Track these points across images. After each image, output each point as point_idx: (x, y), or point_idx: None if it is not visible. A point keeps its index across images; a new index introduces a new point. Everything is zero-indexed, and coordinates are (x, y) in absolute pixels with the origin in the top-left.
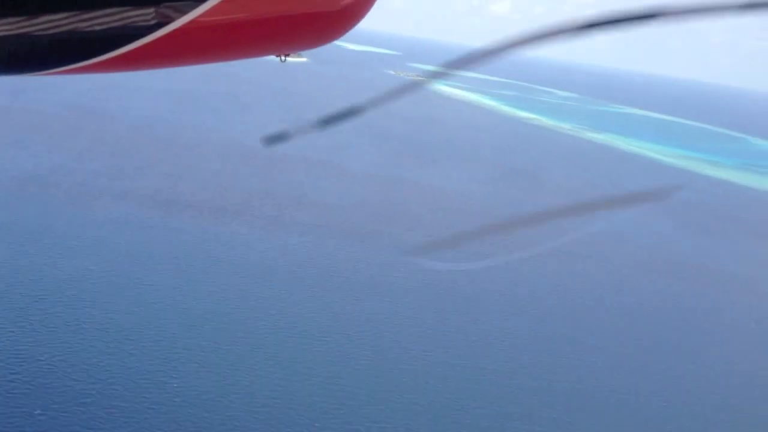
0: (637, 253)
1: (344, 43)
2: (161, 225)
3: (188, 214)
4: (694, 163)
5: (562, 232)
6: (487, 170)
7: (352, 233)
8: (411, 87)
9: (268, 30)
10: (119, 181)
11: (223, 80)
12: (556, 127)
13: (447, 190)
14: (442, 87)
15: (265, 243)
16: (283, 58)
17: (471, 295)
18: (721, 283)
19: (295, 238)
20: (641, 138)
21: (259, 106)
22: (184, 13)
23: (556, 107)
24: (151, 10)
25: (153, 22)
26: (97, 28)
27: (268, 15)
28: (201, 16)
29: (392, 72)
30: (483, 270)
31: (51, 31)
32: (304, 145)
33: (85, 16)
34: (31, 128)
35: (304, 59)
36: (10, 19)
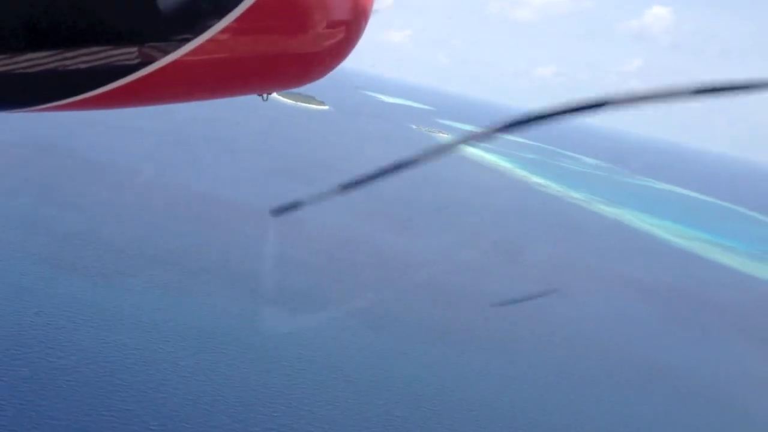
0: (598, 346)
1: (376, 94)
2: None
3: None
4: (704, 247)
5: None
6: (459, 238)
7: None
8: (441, 150)
9: (251, 70)
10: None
11: (219, 124)
12: (566, 195)
13: (404, 256)
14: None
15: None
16: (265, 97)
17: None
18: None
19: None
20: (656, 214)
21: (258, 158)
22: (168, 52)
23: (574, 175)
24: (135, 49)
25: (136, 61)
26: (81, 66)
27: (251, 55)
28: (185, 55)
29: (414, 127)
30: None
31: (33, 69)
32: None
33: (68, 54)
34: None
35: (325, 107)
36: None
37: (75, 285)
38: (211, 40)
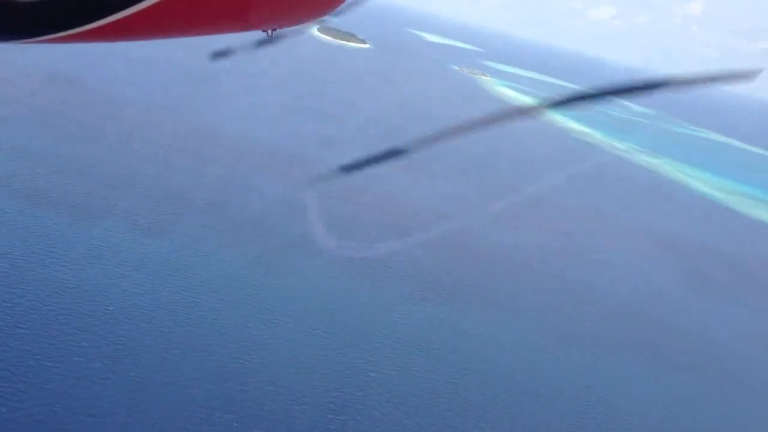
0: (617, 307)
1: (423, 33)
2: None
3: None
4: (741, 200)
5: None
6: (481, 183)
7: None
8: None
9: (252, 4)
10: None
11: (245, 60)
12: (607, 145)
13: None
14: (496, 85)
15: None
16: (270, 33)
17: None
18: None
19: None
20: (699, 166)
21: (279, 96)
22: None
23: (621, 122)
24: None
25: None
26: None
27: None
28: None
29: (456, 68)
30: None
31: (26, 0)
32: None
33: None
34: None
35: (366, 45)
36: None
37: (60, 222)
38: None
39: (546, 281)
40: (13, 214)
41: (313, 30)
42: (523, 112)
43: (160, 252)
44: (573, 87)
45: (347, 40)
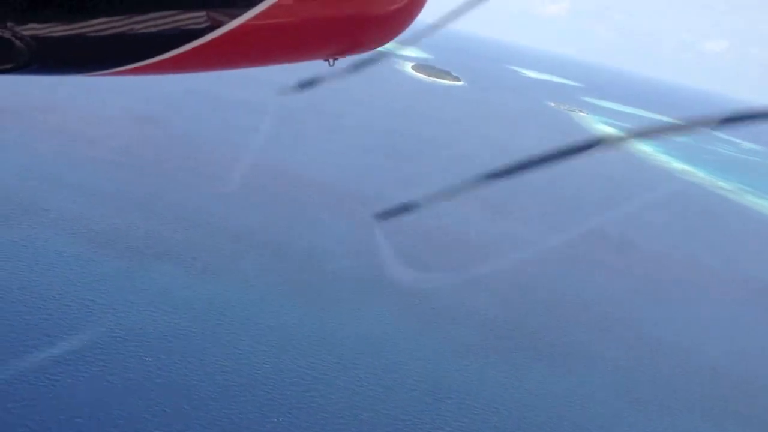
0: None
1: (521, 69)
2: None
3: None
4: None
5: None
6: (566, 224)
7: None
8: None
9: (316, 34)
10: None
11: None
12: (710, 184)
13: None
14: (594, 122)
15: None
16: (331, 62)
17: None
18: None
19: None
20: None
21: (365, 135)
22: (234, 16)
23: (725, 161)
24: (203, 13)
25: (205, 25)
26: (151, 30)
27: (315, 19)
28: (252, 19)
29: (552, 104)
30: None
31: (104, 33)
32: None
33: (138, 18)
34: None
35: (460, 82)
36: (65, 21)
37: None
38: (276, 5)
39: (625, 335)
40: (70, 258)
41: (408, 67)
42: (608, 142)
43: (215, 296)
44: (672, 122)
45: (441, 78)
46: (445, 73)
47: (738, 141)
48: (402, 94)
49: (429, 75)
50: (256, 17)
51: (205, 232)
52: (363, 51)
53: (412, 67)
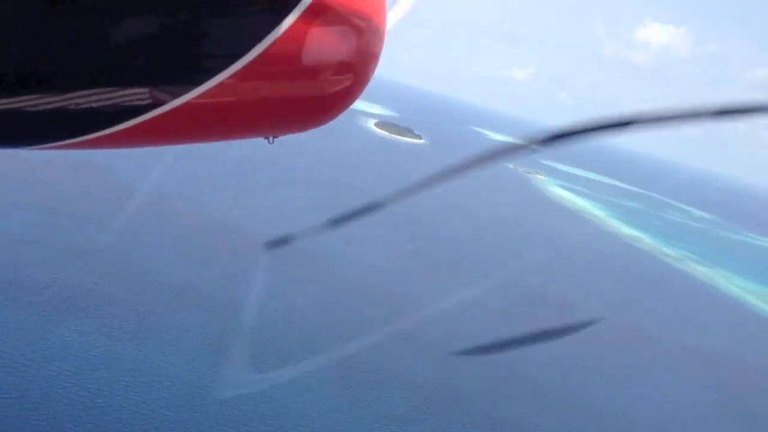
0: None
1: (485, 130)
2: None
3: None
4: None
5: None
6: (504, 288)
7: None
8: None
9: (259, 113)
10: None
11: (287, 149)
12: (656, 251)
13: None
14: (550, 185)
15: None
16: (271, 140)
17: None
18: None
19: None
20: (756, 279)
21: (310, 188)
22: (178, 95)
23: (675, 228)
24: (147, 90)
25: (147, 102)
26: (92, 105)
27: (259, 99)
28: (195, 98)
29: (511, 166)
30: None
31: (45, 107)
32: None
33: (80, 93)
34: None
35: (421, 141)
36: (5, 95)
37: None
38: (220, 84)
39: (561, 405)
40: None
41: (371, 123)
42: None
43: (124, 355)
44: (629, 189)
45: (403, 135)
46: (407, 131)
47: (689, 209)
48: (360, 149)
49: (391, 132)
50: (200, 96)
51: (132, 286)
52: (307, 129)
53: (375, 124)
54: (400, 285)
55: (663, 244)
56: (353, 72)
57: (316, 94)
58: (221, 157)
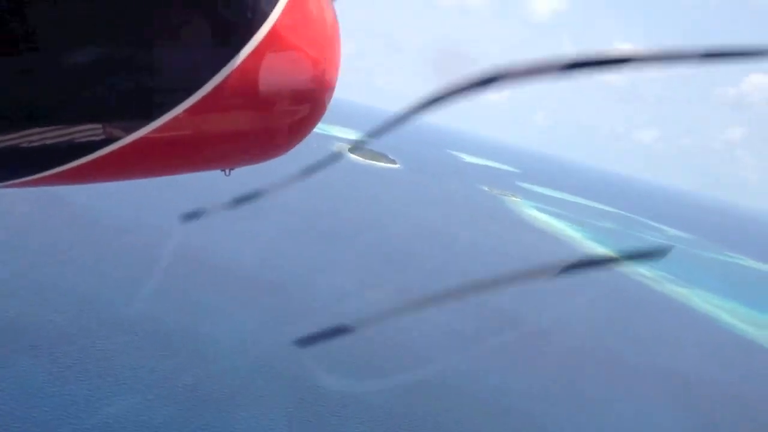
0: None
1: (460, 153)
2: None
3: None
4: None
5: None
6: (473, 309)
7: None
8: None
9: (214, 147)
10: None
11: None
12: (631, 271)
13: None
14: (525, 207)
15: None
16: (227, 172)
17: None
18: None
19: None
20: (733, 298)
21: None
22: (132, 130)
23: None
24: (100, 126)
25: (101, 138)
26: (46, 143)
27: (214, 133)
28: (149, 133)
29: (486, 189)
30: None
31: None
32: None
33: (34, 131)
34: None
35: (395, 165)
36: None
37: None
38: (175, 119)
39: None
40: None
41: (345, 149)
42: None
43: (77, 395)
44: (604, 209)
45: (377, 160)
46: (381, 156)
47: (664, 228)
48: (332, 174)
49: (365, 157)
50: (155, 131)
51: (94, 321)
52: (265, 160)
53: (349, 149)
54: (365, 310)
55: (638, 265)
56: (309, 102)
57: (273, 125)
58: (182, 185)
